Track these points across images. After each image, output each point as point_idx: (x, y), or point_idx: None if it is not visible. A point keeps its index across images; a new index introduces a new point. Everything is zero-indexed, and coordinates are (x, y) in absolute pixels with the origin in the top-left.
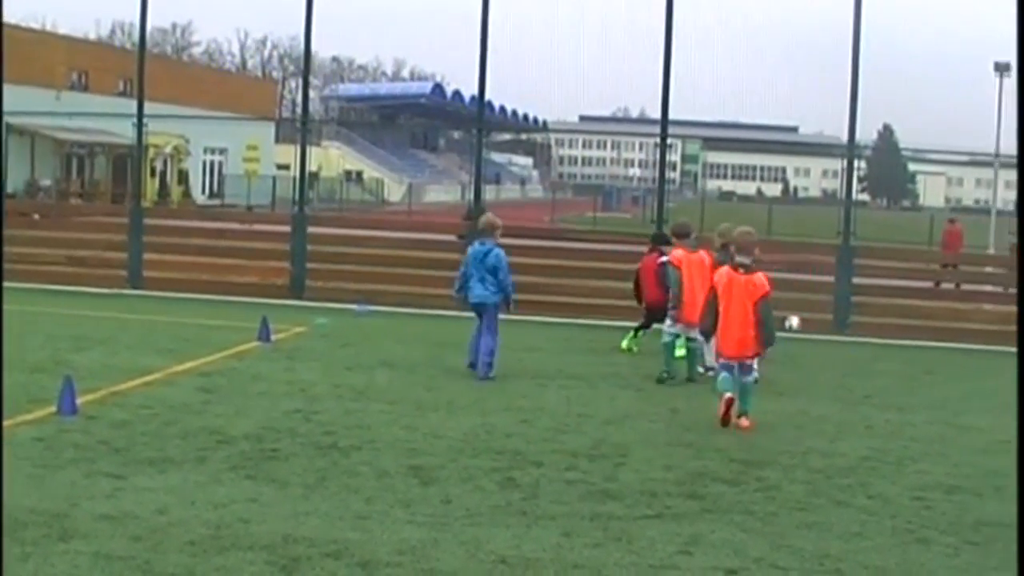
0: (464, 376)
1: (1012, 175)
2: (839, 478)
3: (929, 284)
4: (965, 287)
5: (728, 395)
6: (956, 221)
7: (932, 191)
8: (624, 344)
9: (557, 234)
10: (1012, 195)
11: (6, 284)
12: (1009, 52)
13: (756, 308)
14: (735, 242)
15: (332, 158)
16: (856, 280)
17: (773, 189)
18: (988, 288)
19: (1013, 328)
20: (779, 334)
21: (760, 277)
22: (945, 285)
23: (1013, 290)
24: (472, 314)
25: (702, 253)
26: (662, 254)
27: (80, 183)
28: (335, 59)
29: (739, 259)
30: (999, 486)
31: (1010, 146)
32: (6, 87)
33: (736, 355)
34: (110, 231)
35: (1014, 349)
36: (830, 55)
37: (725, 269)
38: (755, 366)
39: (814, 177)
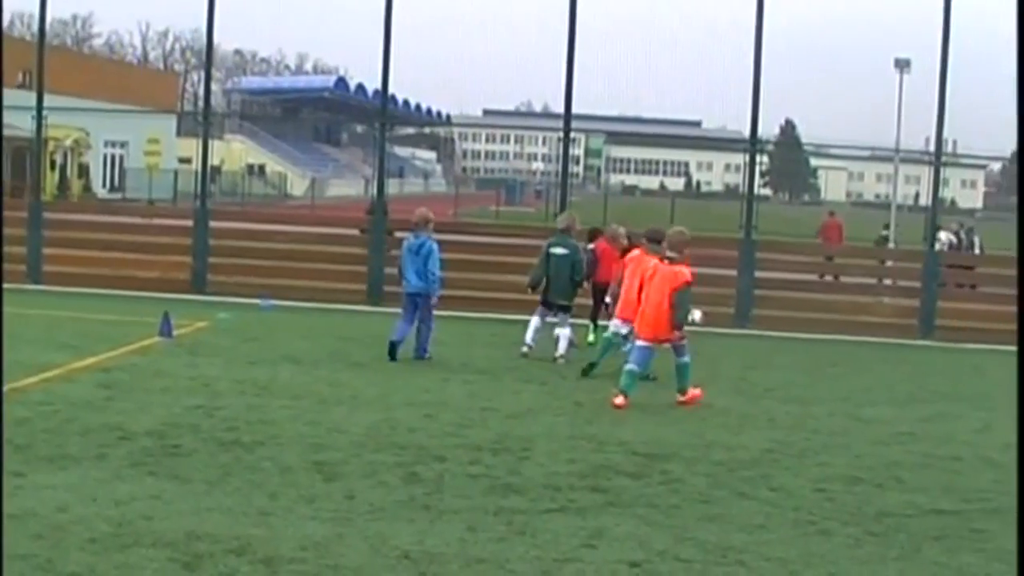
0: (367, 371)
1: (912, 170)
2: (742, 471)
3: (830, 278)
4: (866, 280)
5: (621, 400)
6: (835, 214)
7: (833, 186)
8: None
9: (460, 228)
10: (912, 190)
11: None
12: (908, 49)
13: (672, 293)
14: (668, 239)
15: (234, 152)
16: (758, 274)
17: (676, 183)
18: (888, 282)
19: (913, 321)
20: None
21: (683, 268)
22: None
23: (906, 283)
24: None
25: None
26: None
27: None
28: (238, 52)
29: (668, 253)
30: (900, 477)
31: (910, 141)
32: None
33: (651, 338)
34: (9, 225)
35: (914, 341)
36: (733, 50)
37: (655, 261)
38: (686, 347)
39: (717, 171)
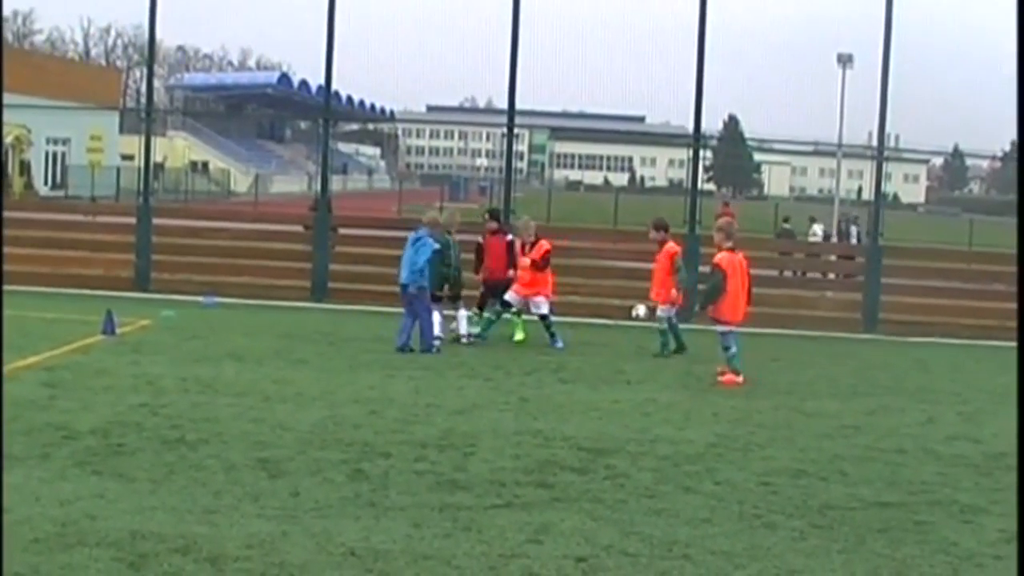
0: (312, 368)
1: (855, 164)
2: (687, 465)
3: (773, 272)
4: (809, 275)
5: (736, 363)
6: (729, 204)
7: (777, 180)
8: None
9: (404, 224)
10: (855, 184)
11: None
12: (851, 44)
13: (750, 279)
14: (723, 230)
15: (178, 148)
16: (702, 269)
17: (620, 179)
18: (832, 276)
19: (857, 315)
20: (627, 323)
21: (742, 255)
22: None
23: (856, 278)
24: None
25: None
26: (506, 232)
27: None
28: (180, 48)
29: (729, 243)
30: (844, 470)
31: (853, 136)
32: None
33: (742, 320)
34: None
35: (857, 335)
36: (677, 46)
37: (726, 253)
38: None
39: (660, 167)
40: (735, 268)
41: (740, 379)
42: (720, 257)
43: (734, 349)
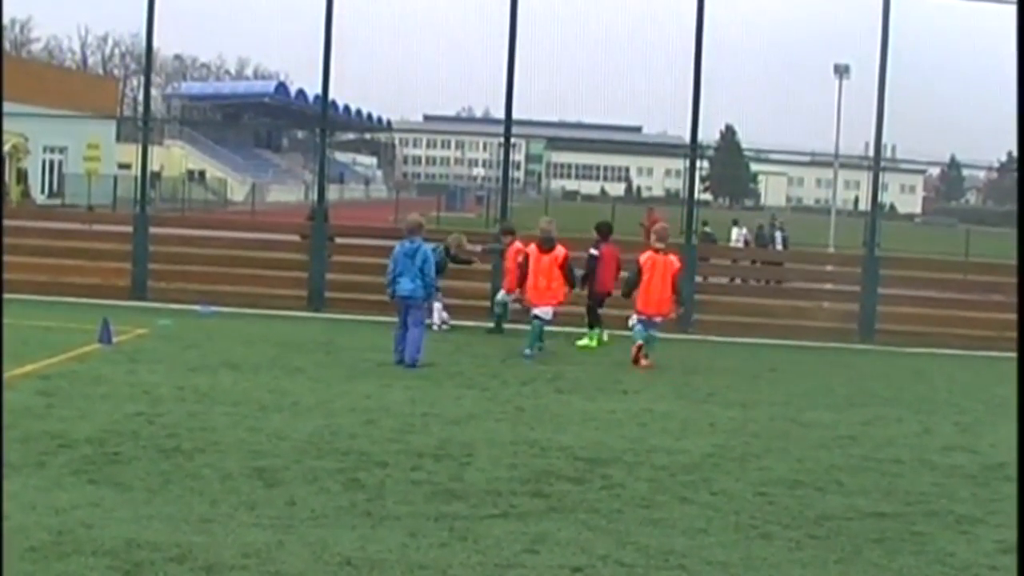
0: (308, 377)
1: (852, 175)
2: (683, 475)
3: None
4: (807, 285)
5: (640, 341)
6: (654, 209)
7: (774, 191)
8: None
9: (401, 234)
10: (852, 194)
11: None
12: (848, 55)
13: (674, 279)
14: (655, 233)
15: (175, 157)
16: (699, 279)
17: (616, 189)
18: (829, 286)
19: (853, 325)
20: (623, 332)
21: (673, 257)
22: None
23: (850, 287)
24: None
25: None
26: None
27: None
28: (177, 57)
29: (658, 244)
30: (840, 481)
31: (849, 147)
32: None
33: (656, 312)
34: None
35: (854, 346)
36: (674, 56)
37: (651, 252)
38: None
39: (657, 177)
40: (653, 265)
41: (648, 362)
42: (645, 256)
43: (637, 335)
